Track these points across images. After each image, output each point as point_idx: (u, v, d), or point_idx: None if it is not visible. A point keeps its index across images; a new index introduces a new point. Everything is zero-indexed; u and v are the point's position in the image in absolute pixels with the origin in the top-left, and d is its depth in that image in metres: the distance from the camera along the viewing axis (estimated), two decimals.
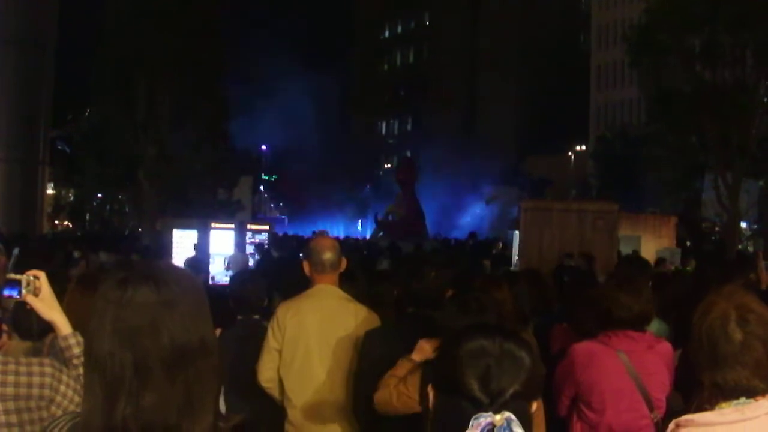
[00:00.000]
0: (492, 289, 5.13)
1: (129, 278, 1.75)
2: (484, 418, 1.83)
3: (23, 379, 2.52)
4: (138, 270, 1.79)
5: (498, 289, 5.31)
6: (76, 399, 2.54)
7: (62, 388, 2.56)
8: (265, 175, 64.82)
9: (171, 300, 1.74)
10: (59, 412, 2.53)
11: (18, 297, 2.82)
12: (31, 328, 3.38)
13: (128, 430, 1.69)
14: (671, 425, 2.43)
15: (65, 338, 2.88)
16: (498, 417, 1.83)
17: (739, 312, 2.44)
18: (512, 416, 1.83)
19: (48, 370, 2.56)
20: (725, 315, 2.44)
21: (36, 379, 2.53)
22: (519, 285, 6.21)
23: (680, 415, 2.48)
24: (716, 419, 2.37)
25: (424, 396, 3.89)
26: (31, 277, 2.85)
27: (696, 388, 2.55)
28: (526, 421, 1.88)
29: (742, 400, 2.38)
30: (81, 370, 2.23)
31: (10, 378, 2.51)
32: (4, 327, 3.12)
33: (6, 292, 2.76)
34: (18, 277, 2.83)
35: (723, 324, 2.43)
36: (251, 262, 20.56)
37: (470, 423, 1.83)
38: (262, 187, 62.48)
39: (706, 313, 2.49)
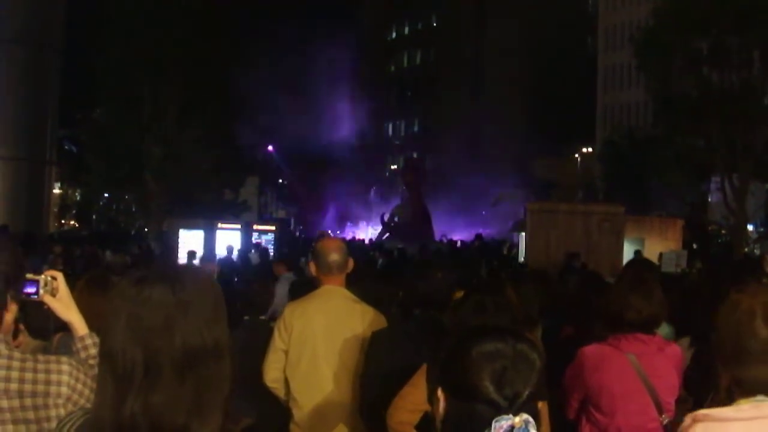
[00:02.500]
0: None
1: (146, 277, 1.77)
2: (505, 421, 1.84)
3: (41, 376, 2.54)
4: (156, 269, 1.81)
5: (502, 290, 5.29)
6: (93, 398, 2.55)
7: (79, 386, 2.58)
8: (274, 176, 64.77)
9: (187, 301, 1.75)
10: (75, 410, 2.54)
11: (36, 297, 2.84)
12: (47, 328, 3.41)
13: (137, 427, 1.70)
14: (687, 419, 2.42)
15: (82, 339, 2.91)
16: (517, 419, 1.85)
17: (765, 310, 2.43)
18: (530, 418, 1.86)
19: (65, 368, 2.58)
20: (751, 312, 2.43)
21: (54, 377, 2.55)
22: (526, 286, 6.18)
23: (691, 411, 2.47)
24: (733, 415, 2.36)
25: (433, 396, 3.90)
26: (49, 278, 2.87)
27: (710, 389, 2.54)
28: (537, 421, 1.90)
29: (760, 397, 2.38)
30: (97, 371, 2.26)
31: (28, 375, 2.53)
32: (20, 326, 3.14)
33: (24, 292, 2.79)
34: (36, 277, 2.85)
35: (749, 320, 2.42)
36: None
37: (492, 426, 1.84)
38: (267, 189, 62.52)
39: (732, 310, 2.48)
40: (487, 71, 75.47)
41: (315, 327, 4.84)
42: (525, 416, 1.86)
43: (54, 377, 2.54)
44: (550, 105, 62.69)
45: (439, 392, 2.03)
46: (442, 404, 2.02)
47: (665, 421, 4.10)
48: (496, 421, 1.84)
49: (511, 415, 1.85)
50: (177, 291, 1.75)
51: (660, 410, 4.12)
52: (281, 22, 67.76)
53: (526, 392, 1.90)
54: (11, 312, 2.65)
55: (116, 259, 16.89)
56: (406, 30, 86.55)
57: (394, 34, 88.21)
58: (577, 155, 62.28)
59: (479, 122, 72.64)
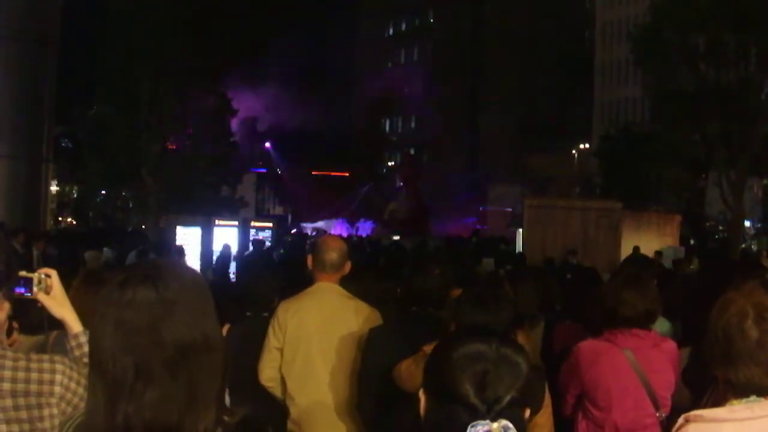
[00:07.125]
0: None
1: (129, 279, 1.75)
2: (482, 426, 1.78)
3: (34, 375, 2.53)
4: (138, 270, 1.79)
5: (501, 286, 5.28)
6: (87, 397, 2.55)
7: (73, 385, 2.57)
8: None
9: (171, 298, 1.74)
10: (69, 409, 2.55)
11: (29, 295, 2.83)
12: (41, 325, 3.40)
13: (130, 430, 1.69)
14: (680, 419, 2.42)
15: (76, 336, 2.89)
16: (495, 425, 1.78)
17: (757, 310, 2.43)
18: (509, 424, 1.79)
19: (59, 367, 2.57)
20: (743, 312, 2.43)
21: (47, 376, 2.55)
22: (526, 283, 6.17)
23: (688, 411, 2.47)
24: (726, 416, 2.36)
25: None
26: (43, 275, 2.87)
27: (708, 385, 2.54)
28: (521, 428, 1.83)
29: (753, 398, 2.38)
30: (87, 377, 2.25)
31: (21, 375, 2.52)
32: (14, 324, 3.14)
33: (18, 290, 2.78)
34: (30, 274, 2.84)
35: (740, 321, 2.42)
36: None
37: (467, 431, 1.78)
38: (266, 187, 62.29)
39: (723, 310, 2.48)
40: (484, 67, 75.44)
41: (309, 324, 4.82)
42: (504, 422, 1.78)
43: (47, 376, 2.54)
44: (547, 101, 62.67)
45: (421, 392, 1.98)
46: (423, 404, 1.97)
47: (661, 417, 4.11)
48: (472, 426, 1.78)
49: (488, 421, 1.78)
50: (160, 289, 1.73)
51: (656, 405, 4.13)
52: (279, 20, 67.75)
53: (508, 397, 1.82)
54: (4, 310, 2.64)
55: (113, 255, 16.84)
56: (404, 26, 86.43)
57: (391, 31, 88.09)
58: (574, 151, 62.33)
59: (476, 118, 72.67)
